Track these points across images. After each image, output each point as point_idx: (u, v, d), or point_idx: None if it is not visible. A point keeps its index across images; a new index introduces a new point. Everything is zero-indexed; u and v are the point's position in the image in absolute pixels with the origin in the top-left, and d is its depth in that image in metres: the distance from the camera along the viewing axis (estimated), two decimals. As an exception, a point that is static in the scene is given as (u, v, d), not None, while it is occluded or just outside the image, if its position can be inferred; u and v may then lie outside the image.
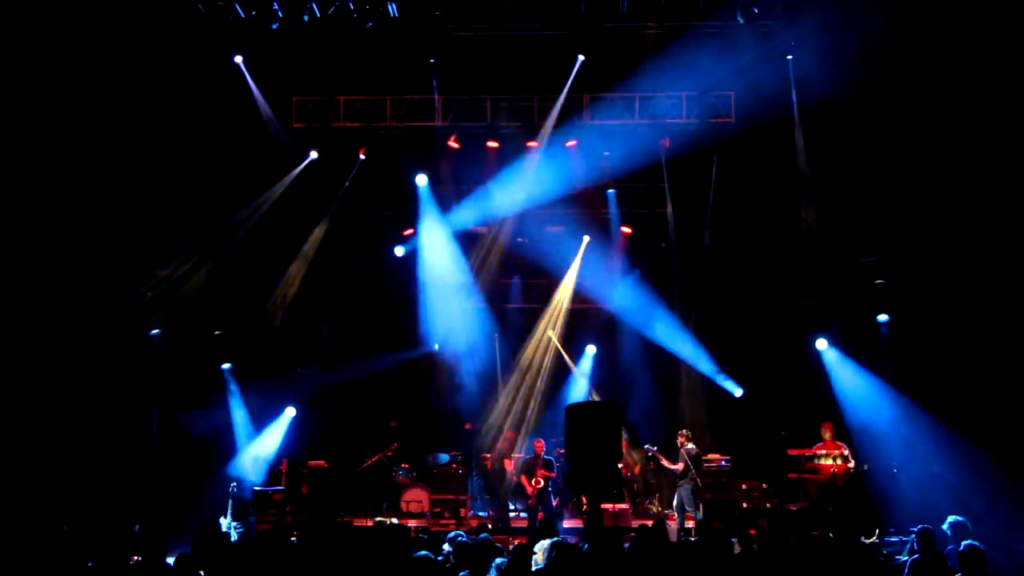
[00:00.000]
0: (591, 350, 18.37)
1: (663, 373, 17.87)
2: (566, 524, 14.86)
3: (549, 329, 18.33)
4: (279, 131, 16.54)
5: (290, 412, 16.73)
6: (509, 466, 15.79)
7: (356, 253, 18.08)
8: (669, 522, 14.98)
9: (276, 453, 16.22)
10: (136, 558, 8.35)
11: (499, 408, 17.81)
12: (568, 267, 18.40)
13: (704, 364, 17.19)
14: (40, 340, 13.71)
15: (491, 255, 18.52)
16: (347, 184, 17.35)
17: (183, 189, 15.32)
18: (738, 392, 16.97)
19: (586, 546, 8.88)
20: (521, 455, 16.31)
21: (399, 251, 18.10)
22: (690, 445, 14.91)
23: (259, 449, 16.18)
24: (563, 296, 18.40)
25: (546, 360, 18.18)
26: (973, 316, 14.24)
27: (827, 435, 14.67)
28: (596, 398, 17.22)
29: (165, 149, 15.04)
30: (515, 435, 16.70)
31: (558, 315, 18.41)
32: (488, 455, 16.42)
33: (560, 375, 18.36)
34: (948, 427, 14.04)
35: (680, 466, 14.88)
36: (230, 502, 14.67)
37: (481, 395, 18.01)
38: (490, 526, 13.99)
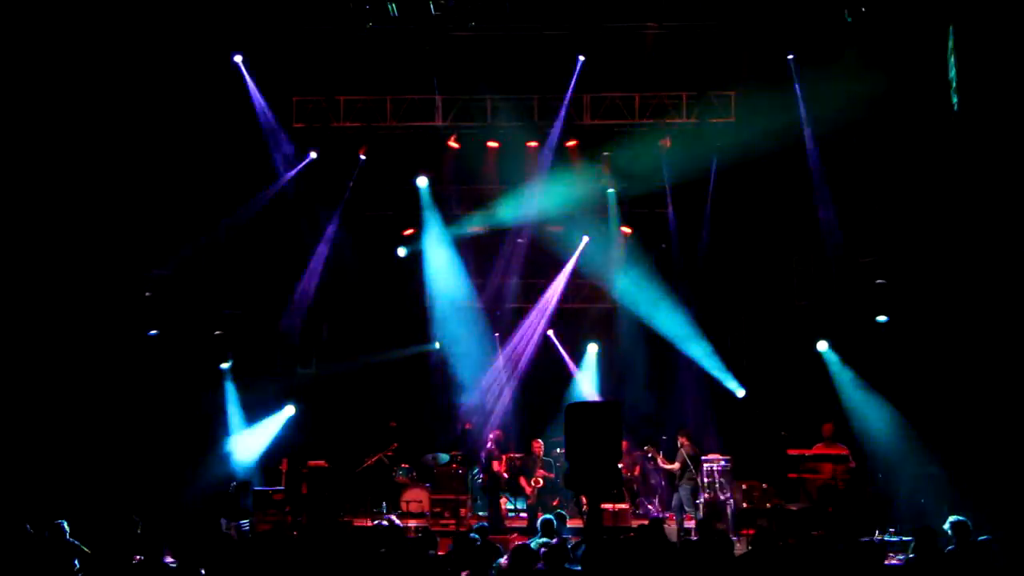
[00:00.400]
0: (592, 349, 18.40)
1: (663, 373, 17.88)
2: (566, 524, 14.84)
3: (543, 328, 18.40)
4: (277, 131, 16.53)
5: (289, 410, 16.73)
6: (498, 466, 15.69)
7: (357, 253, 18.08)
8: (669, 523, 15.02)
9: (275, 450, 16.23)
10: (138, 557, 8.35)
11: (490, 407, 17.87)
12: (568, 267, 18.45)
13: (705, 364, 17.19)
14: (39, 341, 13.70)
15: (491, 255, 18.54)
16: (351, 184, 17.37)
17: (183, 189, 15.30)
18: (740, 392, 16.95)
19: (582, 549, 8.88)
20: (514, 455, 16.31)
21: (401, 251, 18.11)
22: (689, 445, 14.90)
23: (255, 442, 16.18)
24: (553, 295, 18.44)
25: (527, 356, 18.26)
26: (971, 318, 14.22)
27: (828, 435, 14.66)
28: (597, 398, 17.22)
29: (166, 149, 15.02)
30: (502, 434, 16.57)
31: (546, 313, 18.46)
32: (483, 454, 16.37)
33: (558, 374, 18.40)
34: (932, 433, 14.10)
35: (676, 465, 14.88)
36: (229, 502, 14.68)
37: (481, 395, 18.06)
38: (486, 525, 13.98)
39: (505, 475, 15.70)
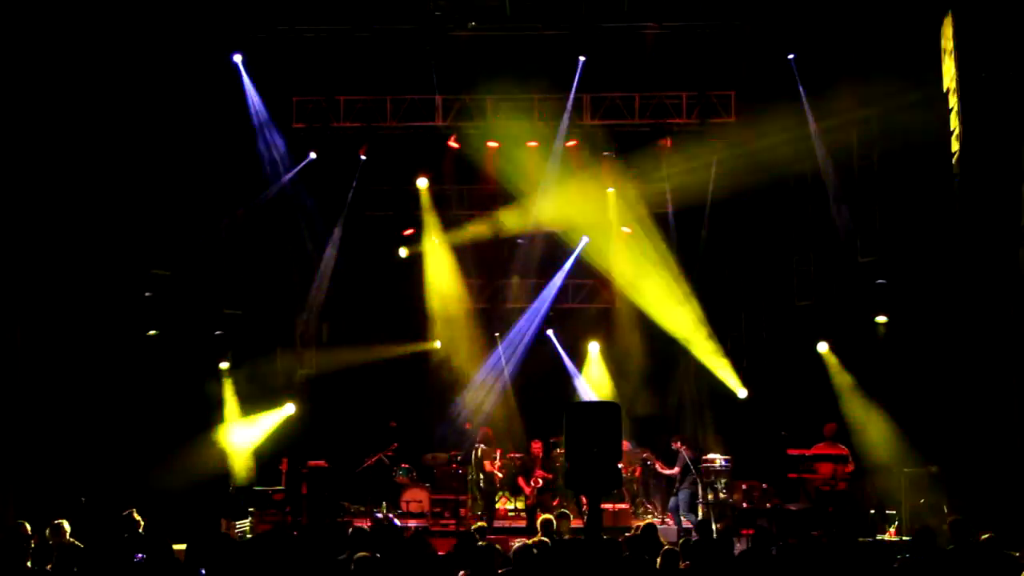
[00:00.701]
0: (594, 348, 18.43)
1: (663, 372, 17.89)
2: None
3: (542, 327, 18.47)
4: (274, 131, 16.54)
5: (289, 408, 16.73)
6: (490, 466, 15.65)
7: (357, 253, 18.09)
8: (668, 522, 15.04)
9: (275, 450, 16.21)
10: (140, 556, 8.35)
11: (488, 407, 17.92)
12: (567, 266, 18.51)
13: (705, 363, 17.18)
14: (38, 341, 13.67)
15: (491, 255, 18.56)
16: (354, 184, 17.39)
17: (184, 189, 15.29)
18: (742, 393, 16.90)
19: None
20: (514, 455, 16.32)
21: (403, 252, 18.13)
22: (687, 449, 14.91)
23: (251, 438, 16.17)
24: (550, 294, 18.50)
25: (524, 356, 18.28)
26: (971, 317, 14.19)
27: (829, 435, 14.63)
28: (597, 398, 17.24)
29: (166, 149, 15.01)
30: (492, 432, 16.52)
31: (543, 313, 18.52)
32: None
33: (559, 374, 18.43)
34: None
35: (677, 470, 14.88)
36: (229, 502, 14.69)
37: (480, 394, 18.10)
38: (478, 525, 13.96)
39: (499, 474, 15.66)
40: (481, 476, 15.48)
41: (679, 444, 15.02)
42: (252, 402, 16.39)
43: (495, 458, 15.79)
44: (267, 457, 16.16)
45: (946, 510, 12.83)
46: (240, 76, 15.88)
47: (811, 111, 15.75)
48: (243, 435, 16.09)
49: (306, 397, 17.25)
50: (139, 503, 10.96)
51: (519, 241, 18.35)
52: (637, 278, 17.66)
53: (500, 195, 17.83)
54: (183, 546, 7.92)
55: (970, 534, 8.88)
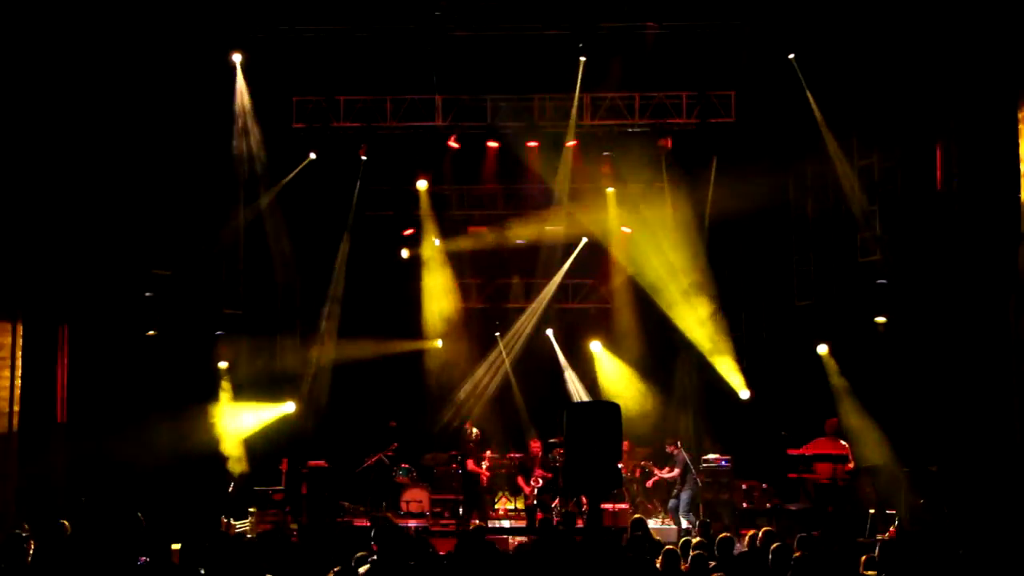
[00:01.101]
0: (595, 348, 18.45)
1: (663, 372, 17.90)
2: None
3: (540, 327, 18.51)
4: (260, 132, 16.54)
5: (289, 406, 16.73)
6: (473, 465, 15.58)
7: (357, 253, 18.10)
8: (668, 522, 15.05)
9: (274, 450, 16.21)
10: (144, 558, 8.36)
11: (485, 406, 17.95)
12: (566, 266, 18.55)
13: (705, 363, 17.18)
14: (38, 341, 13.67)
15: (491, 255, 18.58)
16: (358, 184, 17.39)
17: (184, 189, 15.29)
18: (744, 394, 16.86)
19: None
20: (513, 455, 16.33)
21: (404, 253, 18.16)
22: (682, 451, 14.92)
23: (247, 425, 16.17)
24: (548, 294, 18.53)
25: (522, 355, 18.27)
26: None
27: (830, 431, 14.61)
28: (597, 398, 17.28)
29: (167, 150, 15.01)
30: (479, 432, 16.44)
31: (540, 313, 18.55)
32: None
33: (558, 374, 18.46)
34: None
35: (678, 472, 14.87)
36: (229, 501, 14.69)
37: (479, 394, 18.13)
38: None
39: (485, 474, 15.64)
40: (465, 476, 15.50)
41: (675, 448, 15.02)
42: (252, 400, 16.41)
43: (481, 458, 15.78)
44: (266, 456, 16.16)
45: (946, 510, 12.81)
46: (234, 76, 15.85)
47: (811, 110, 15.73)
48: (239, 421, 16.07)
49: (306, 396, 17.25)
50: (134, 495, 10.97)
51: (518, 241, 18.37)
52: (636, 278, 17.67)
53: (501, 196, 17.83)
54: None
55: (969, 534, 8.90)
